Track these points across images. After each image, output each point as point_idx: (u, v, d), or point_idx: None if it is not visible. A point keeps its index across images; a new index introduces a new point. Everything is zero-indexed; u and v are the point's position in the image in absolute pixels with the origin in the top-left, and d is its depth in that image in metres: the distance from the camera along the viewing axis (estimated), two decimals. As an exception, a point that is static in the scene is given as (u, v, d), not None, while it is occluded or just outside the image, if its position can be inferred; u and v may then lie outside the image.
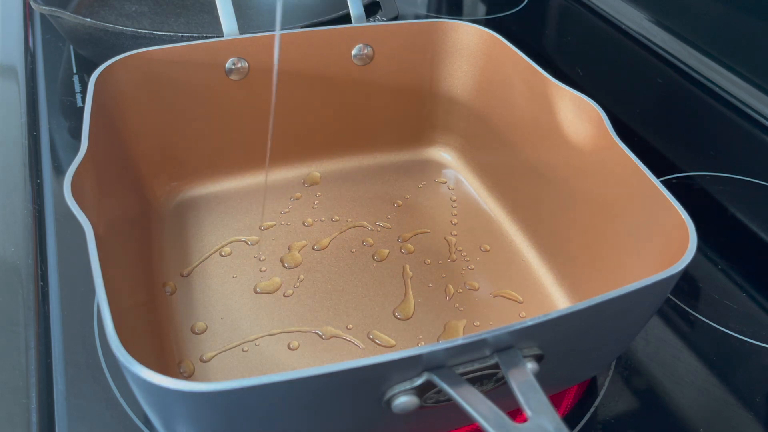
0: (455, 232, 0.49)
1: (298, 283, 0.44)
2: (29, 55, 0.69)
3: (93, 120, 0.38)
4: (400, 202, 0.51)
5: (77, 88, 0.63)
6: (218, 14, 0.47)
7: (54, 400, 0.37)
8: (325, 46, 0.49)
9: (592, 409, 0.39)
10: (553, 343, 0.29)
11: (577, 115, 0.43)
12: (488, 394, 0.26)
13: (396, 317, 0.42)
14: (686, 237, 0.33)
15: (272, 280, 0.44)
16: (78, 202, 0.32)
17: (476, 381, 0.28)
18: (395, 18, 0.62)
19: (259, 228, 0.48)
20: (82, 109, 0.60)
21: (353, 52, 0.50)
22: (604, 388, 0.40)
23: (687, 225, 0.33)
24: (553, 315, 0.27)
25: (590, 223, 0.42)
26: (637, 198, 0.38)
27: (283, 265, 0.45)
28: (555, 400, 0.39)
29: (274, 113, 0.50)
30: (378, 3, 0.63)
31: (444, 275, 0.45)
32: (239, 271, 0.45)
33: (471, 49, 0.51)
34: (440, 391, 0.27)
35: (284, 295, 0.43)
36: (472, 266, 0.46)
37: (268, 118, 0.51)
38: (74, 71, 0.66)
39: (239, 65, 0.48)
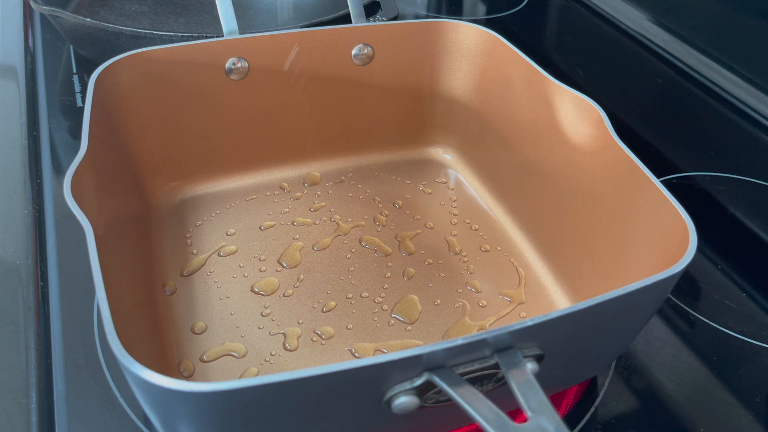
0: (455, 232, 0.49)
1: (298, 283, 0.44)
2: (29, 55, 0.69)
3: (93, 120, 0.38)
4: (400, 202, 0.51)
5: (77, 88, 0.63)
6: (218, 14, 0.47)
7: (54, 400, 0.37)
8: (325, 46, 0.49)
9: (592, 409, 0.39)
10: (553, 343, 0.29)
11: (577, 115, 0.43)
12: (488, 394, 0.26)
13: (396, 318, 0.42)
14: (686, 237, 0.33)
15: (272, 280, 0.44)
16: (78, 202, 0.32)
17: (476, 381, 0.28)
18: (395, 18, 0.62)
19: (259, 228, 0.48)
20: (82, 109, 0.60)
21: (353, 52, 0.50)
22: (604, 388, 0.40)
23: (687, 225, 0.33)
24: (553, 315, 0.27)
25: (590, 223, 0.42)
26: (637, 198, 0.38)
27: (283, 265, 0.45)
28: (555, 400, 0.39)
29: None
30: (378, 3, 0.63)
31: (444, 275, 0.45)
32: (239, 271, 0.45)
33: (471, 49, 0.51)
34: (440, 391, 0.27)
35: (284, 295, 0.43)
36: (472, 266, 0.46)
37: (268, 118, 0.51)
38: (74, 71, 0.66)
39: (239, 65, 0.48)
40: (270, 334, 0.41)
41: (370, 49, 0.51)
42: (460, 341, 0.26)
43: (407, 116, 0.54)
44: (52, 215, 0.49)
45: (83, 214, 0.31)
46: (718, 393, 0.40)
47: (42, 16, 0.75)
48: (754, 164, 0.60)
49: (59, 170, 0.54)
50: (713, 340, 0.44)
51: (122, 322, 0.28)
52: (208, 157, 0.50)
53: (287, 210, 0.50)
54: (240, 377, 0.38)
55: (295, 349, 0.40)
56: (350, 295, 0.43)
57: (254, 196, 0.51)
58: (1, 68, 0.66)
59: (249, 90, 0.49)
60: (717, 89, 0.70)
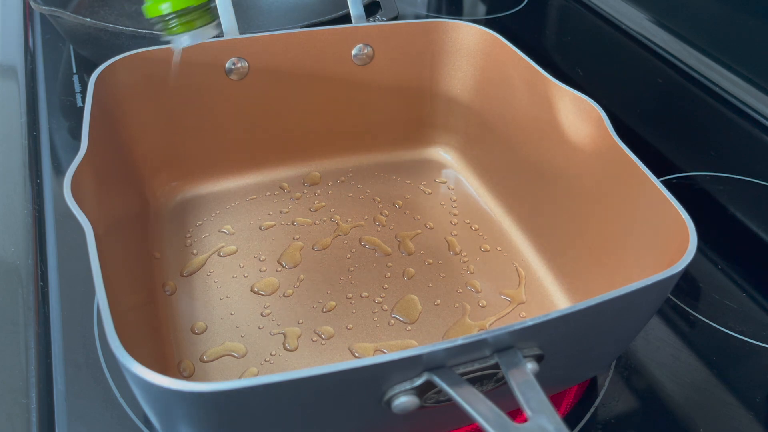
0: (455, 232, 0.49)
1: (297, 283, 0.44)
2: (29, 55, 0.69)
3: (93, 120, 0.38)
4: (400, 202, 0.51)
5: (77, 88, 0.63)
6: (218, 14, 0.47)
7: (54, 400, 0.37)
8: (325, 46, 0.49)
9: (592, 409, 0.39)
10: (553, 343, 0.29)
11: (577, 115, 0.43)
12: (488, 394, 0.26)
13: (396, 318, 0.42)
14: (686, 237, 0.33)
15: (272, 280, 0.44)
16: (78, 202, 0.32)
17: (476, 381, 0.28)
18: (395, 18, 0.62)
19: (259, 228, 0.48)
20: (82, 109, 0.60)
21: (353, 52, 0.50)
22: (604, 388, 0.40)
23: (687, 225, 0.33)
24: (553, 315, 0.27)
25: (590, 223, 0.42)
26: (637, 198, 0.38)
27: (283, 265, 0.45)
28: (555, 400, 0.39)
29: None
30: (378, 3, 0.63)
31: (444, 275, 0.45)
32: (239, 271, 0.45)
33: (471, 49, 0.51)
34: (440, 391, 0.27)
35: (284, 295, 0.43)
36: (472, 266, 0.46)
37: (268, 118, 0.51)
38: (74, 71, 0.66)
39: (239, 65, 0.48)
40: (270, 334, 0.41)
41: (370, 49, 0.51)
42: (460, 341, 0.26)
43: (407, 116, 0.54)
44: (52, 215, 0.49)
45: (83, 214, 0.31)
46: (718, 393, 0.40)
47: (42, 16, 0.75)
48: (754, 164, 0.60)
49: (59, 170, 0.54)
50: (713, 340, 0.44)
51: (122, 322, 0.28)
52: (208, 157, 0.50)
53: (287, 210, 0.50)
54: (240, 377, 0.38)
55: (295, 349, 0.40)
56: (350, 295, 0.43)
57: (254, 196, 0.51)
58: (1, 68, 0.66)
59: (249, 90, 0.49)
60: (717, 89, 0.70)
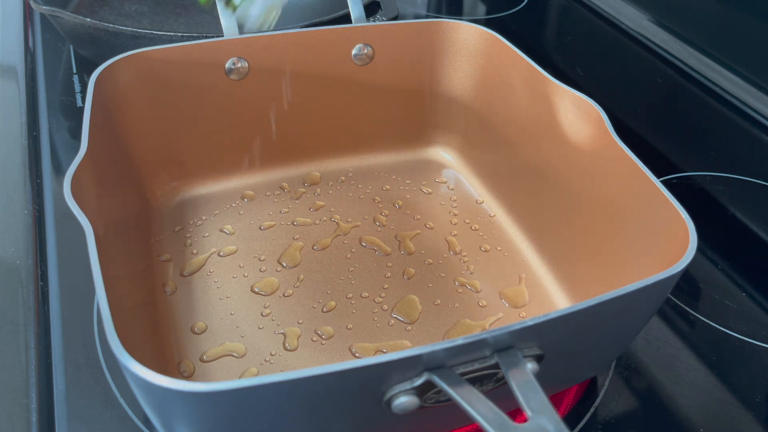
0: (455, 232, 0.49)
1: (297, 283, 0.44)
2: (29, 55, 0.69)
3: (93, 120, 0.38)
4: (400, 202, 0.51)
5: (77, 88, 0.63)
6: (218, 14, 0.47)
7: (54, 400, 0.37)
8: (325, 46, 0.49)
9: (592, 409, 0.39)
10: (553, 343, 0.29)
11: (577, 115, 0.43)
12: (488, 394, 0.26)
13: (396, 318, 0.42)
14: (686, 237, 0.33)
15: (272, 280, 0.44)
16: (78, 202, 0.32)
17: (476, 381, 0.28)
18: (395, 18, 0.62)
19: (259, 228, 0.48)
20: (82, 109, 0.60)
21: (353, 52, 0.50)
22: (604, 388, 0.40)
23: (687, 225, 0.33)
24: (553, 315, 0.28)
25: (590, 223, 0.42)
26: (637, 198, 0.38)
27: (283, 265, 0.45)
28: (555, 400, 0.39)
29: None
30: (378, 3, 0.63)
31: (444, 275, 0.45)
32: (239, 271, 0.45)
33: (471, 49, 0.51)
34: (440, 391, 0.27)
35: (284, 295, 0.43)
36: (472, 266, 0.46)
37: (268, 118, 0.51)
38: (74, 71, 0.66)
39: (239, 65, 0.48)
40: (271, 333, 0.41)
41: (370, 49, 0.51)
42: (460, 341, 0.26)
43: (407, 116, 0.54)
44: (52, 215, 0.49)
45: (83, 214, 0.31)
46: (718, 393, 0.40)
47: (42, 16, 0.75)
48: (754, 164, 0.60)
49: (59, 170, 0.54)
50: (713, 340, 0.44)
51: (122, 322, 0.28)
52: (208, 157, 0.50)
53: (287, 210, 0.50)
54: (240, 377, 0.38)
55: (295, 349, 0.40)
56: (350, 295, 0.43)
57: (254, 196, 0.51)
58: (1, 68, 0.66)
59: (249, 90, 0.49)
60: (717, 89, 0.70)
